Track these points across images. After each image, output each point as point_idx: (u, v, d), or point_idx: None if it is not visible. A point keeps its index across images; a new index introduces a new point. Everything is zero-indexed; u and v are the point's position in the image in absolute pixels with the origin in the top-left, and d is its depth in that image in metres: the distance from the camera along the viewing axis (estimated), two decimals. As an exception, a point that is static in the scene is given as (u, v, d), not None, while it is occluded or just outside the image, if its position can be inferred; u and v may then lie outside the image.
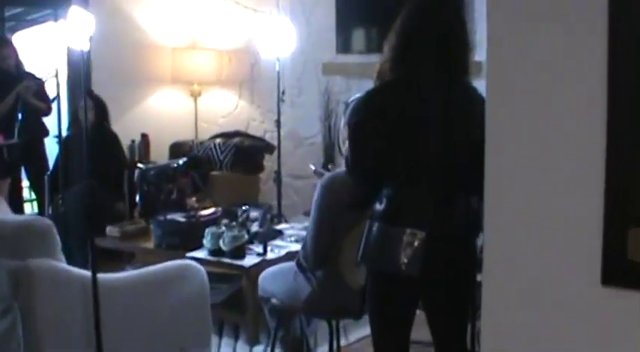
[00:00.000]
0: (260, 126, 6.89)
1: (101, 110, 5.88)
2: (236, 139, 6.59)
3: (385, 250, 2.57)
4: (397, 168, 2.59)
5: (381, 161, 2.62)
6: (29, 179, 6.19)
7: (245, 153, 6.48)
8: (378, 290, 2.72)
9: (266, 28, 5.87)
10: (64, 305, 2.94)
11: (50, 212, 5.55)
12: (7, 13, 7.31)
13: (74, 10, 4.14)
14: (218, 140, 6.65)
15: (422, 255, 2.51)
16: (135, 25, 6.86)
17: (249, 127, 6.93)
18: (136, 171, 5.48)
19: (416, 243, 2.51)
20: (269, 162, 6.60)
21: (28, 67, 6.05)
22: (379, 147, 2.60)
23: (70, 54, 6.38)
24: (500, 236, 1.59)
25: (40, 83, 5.84)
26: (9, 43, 5.94)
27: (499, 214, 1.58)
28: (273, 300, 3.62)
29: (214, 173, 6.40)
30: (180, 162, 5.36)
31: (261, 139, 6.69)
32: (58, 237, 2.97)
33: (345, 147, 2.78)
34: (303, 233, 4.60)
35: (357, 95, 2.78)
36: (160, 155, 6.66)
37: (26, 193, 6.54)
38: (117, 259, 5.10)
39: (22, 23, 7.49)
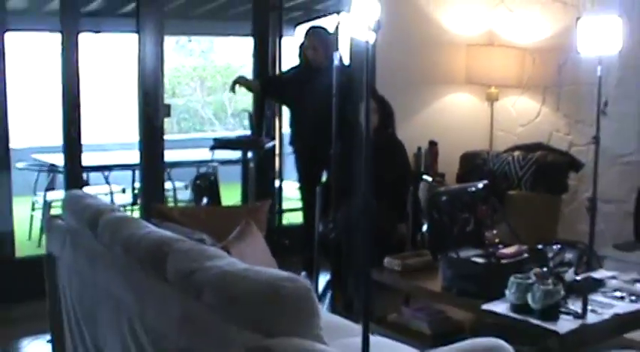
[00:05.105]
0: (564, 139, 5.98)
1: (386, 114, 5.21)
2: (538, 153, 5.81)
3: None
4: None
5: None
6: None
7: (547, 169, 5.69)
8: None
9: (588, 24, 4.76)
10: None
11: (320, 230, 5.02)
12: (290, 3, 7.07)
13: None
14: (517, 153, 5.91)
15: None
16: (426, 17, 6.21)
17: (551, 139, 6.06)
18: (421, 186, 4.83)
19: None
20: (573, 181, 5.81)
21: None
22: None
23: (354, 48, 5.83)
24: None
25: None
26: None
27: None
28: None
29: (511, 192, 5.67)
30: (480, 185, 4.47)
31: (566, 154, 5.84)
32: (318, 307, 2.06)
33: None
34: (635, 287, 3.79)
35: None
36: (448, 166, 6.04)
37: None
38: (392, 296, 4.35)
39: (308, 13, 7.24)
